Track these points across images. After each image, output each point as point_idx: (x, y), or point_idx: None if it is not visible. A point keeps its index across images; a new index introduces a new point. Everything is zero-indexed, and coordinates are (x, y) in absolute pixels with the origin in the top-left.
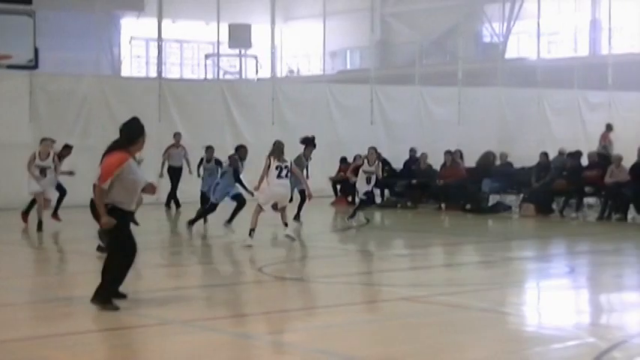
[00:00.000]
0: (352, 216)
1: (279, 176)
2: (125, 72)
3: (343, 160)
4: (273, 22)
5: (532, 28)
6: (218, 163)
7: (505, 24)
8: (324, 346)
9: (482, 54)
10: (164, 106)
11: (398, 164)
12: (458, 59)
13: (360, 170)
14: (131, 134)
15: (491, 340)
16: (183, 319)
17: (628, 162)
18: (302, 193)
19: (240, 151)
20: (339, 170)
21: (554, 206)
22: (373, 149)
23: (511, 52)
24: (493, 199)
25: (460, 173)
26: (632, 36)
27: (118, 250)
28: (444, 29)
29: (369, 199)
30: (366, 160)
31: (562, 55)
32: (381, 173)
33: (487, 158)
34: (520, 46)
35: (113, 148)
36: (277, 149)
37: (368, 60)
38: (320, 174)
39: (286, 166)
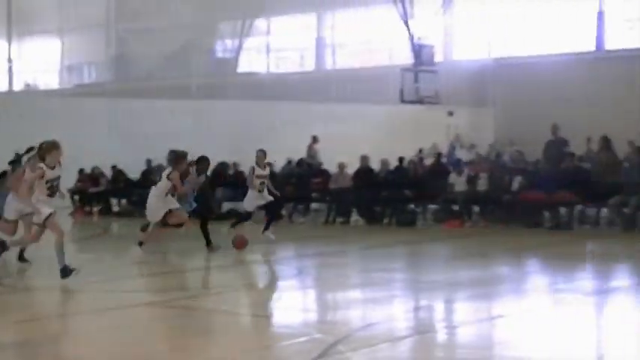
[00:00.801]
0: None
1: None
2: None
3: (81, 171)
4: (9, 37)
5: (262, 45)
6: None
7: (237, 40)
8: (68, 353)
9: (216, 68)
10: None
11: (135, 174)
12: (192, 74)
13: (253, 177)
14: None
15: (227, 340)
16: None
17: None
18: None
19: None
20: (78, 181)
21: (283, 212)
22: (262, 152)
23: (243, 67)
24: (226, 207)
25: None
26: (352, 53)
27: None
28: (179, 45)
29: (248, 215)
30: (256, 165)
31: (290, 70)
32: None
33: (220, 168)
34: (251, 61)
35: None
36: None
37: (105, 74)
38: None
39: None
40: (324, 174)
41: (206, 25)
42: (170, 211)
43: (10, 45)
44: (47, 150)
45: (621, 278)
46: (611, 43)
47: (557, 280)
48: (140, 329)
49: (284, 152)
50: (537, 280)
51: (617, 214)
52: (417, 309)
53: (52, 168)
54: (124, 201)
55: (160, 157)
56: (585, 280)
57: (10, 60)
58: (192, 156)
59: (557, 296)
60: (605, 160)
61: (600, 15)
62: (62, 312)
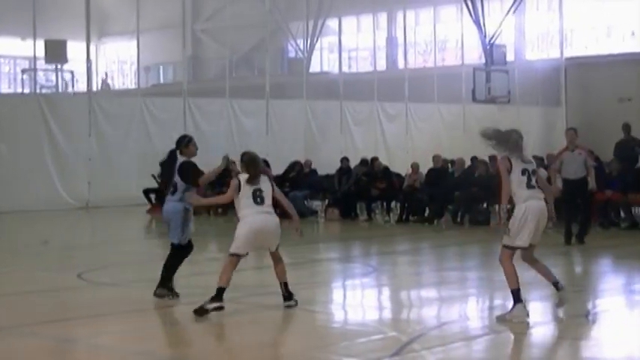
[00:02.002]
0: None
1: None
2: None
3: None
4: (88, 38)
5: (334, 45)
6: None
7: (309, 40)
8: (139, 347)
9: (288, 68)
10: None
11: None
12: (265, 73)
13: None
14: None
15: (301, 336)
16: (1, 325)
17: (424, 168)
18: None
19: None
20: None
21: (357, 210)
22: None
23: (315, 67)
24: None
25: None
26: (424, 52)
27: None
28: (252, 45)
29: None
30: None
31: (362, 69)
32: None
33: (293, 167)
34: (323, 61)
35: None
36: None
37: (180, 74)
38: (136, 184)
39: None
40: (388, 175)
41: (278, 25)
42: None
43: (88, 46)
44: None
45: None
46: None
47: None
48: (210, 325)
49: (357, 151)
50: (614, 280)
51: None
52: (491, 308)
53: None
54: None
55: (234, 157)
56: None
57: (88, 60)
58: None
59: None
60: None
61: None
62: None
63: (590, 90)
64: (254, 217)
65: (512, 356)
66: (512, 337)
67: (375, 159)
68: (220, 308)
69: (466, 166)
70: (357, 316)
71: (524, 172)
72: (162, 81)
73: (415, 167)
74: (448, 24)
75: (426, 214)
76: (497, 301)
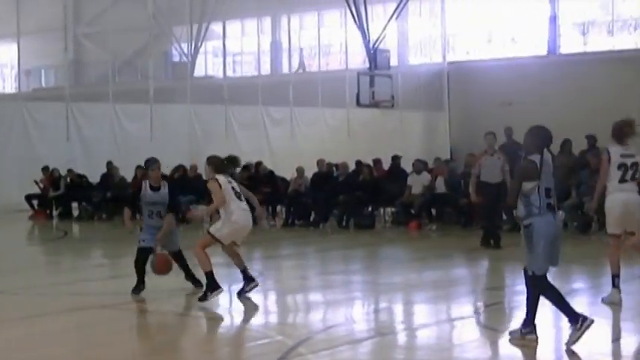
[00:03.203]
0: None
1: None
2: None
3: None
4: None
5: (218, 49)
6: None
7: (193, 44)
8: (24, 356)
9: (172, 73)
10: None
11: (95, 178)
12: (148, 78)
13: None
14: None
15: (187, 341)
16: None
17: (309, 172)
18: None
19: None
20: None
21: None
22: None
23: (199, 71)
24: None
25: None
26: (307, 57)
27: None
28: (135, 49)
29: None
30: None
31: (246, 73)
32: None
33: (177, 171)
34: (207, 65)
35: None
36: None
37: (62, 78)
38: (17, 190)
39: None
40: (272, 179)
41: (161, 29)
42: None
43: None
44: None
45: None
46: (565, 47)
47: (516, 281)
48: (99, 331)
49: (242, 156)
50: (491, 280)
51: (571, 216)
52: (376, 311)
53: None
54: (83, 204)
55: (118, 161)
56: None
57: None
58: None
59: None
60: (565, 163)
61: (553, 19)
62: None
63: (472, 94)
64: (240, 213)
65: (397, 359)
66: (398, 339)
67: (259, 163)
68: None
69: (350, 170)
70: (243, 320)
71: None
72: (43, 85)
73: (300, 171)
74: (332, 28)
75: (311, 219)
76: (383, 304)
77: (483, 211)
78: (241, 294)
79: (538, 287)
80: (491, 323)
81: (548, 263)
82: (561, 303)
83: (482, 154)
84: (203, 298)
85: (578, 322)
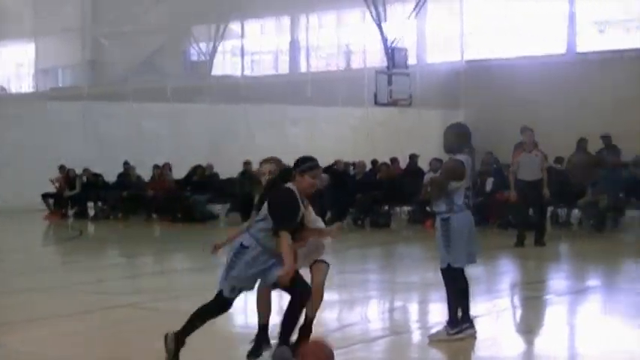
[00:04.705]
0: None
1: None
2: None
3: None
4: None
5: (237, 48)
6: None
7: (211, 44)
8: (52, 354)
9: (191, 72)
10: None
11: (111, 178)
12: (167, 77)
13: None
14: None
15: (202, 341)
16: None
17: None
18: None
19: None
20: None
21: None
22: None
23: (217, 70)
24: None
25: (168, 185)
26: (328, 55)
27: None
28: (153, 49)
29: None
30: None
31: (265, 72)
32: None
33: (195, 171)
34: (225, 65)
35: None
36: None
37: (80, 78)
38: (35, 189)
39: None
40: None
41: (180, 28)
42: None
43: None
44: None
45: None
46: (582, 46)
47: (529, 279)
48: (116, 331)
49: (261, 155)
50: (508, 280)
51: (587, 215)
52: (391, 310)
53: None
54: (99, 204)
55: (136, 160)
56: (556, 279)
57: None
58: (168, 159)
59: (527, 296)
60: (580, 162)
61: (571, 17)
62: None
63: (489, 92)
64: None
65: (412, 358)
66: (412, 338)
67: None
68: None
69: (367, 169)
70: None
71: None
72: (60, 85)
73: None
74: (351, 27)
75: (327, 217)
76: (398, 303)
77: (518, 209)
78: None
79: (457, 280)
80: (508, 322)
81: (466, 258)
82: (462, 301)
83: (520, 152)
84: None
85: (457, 328)
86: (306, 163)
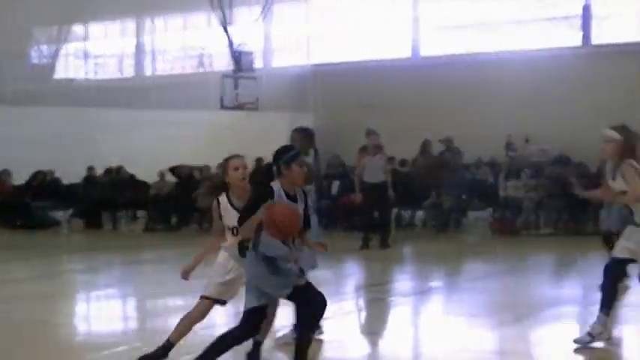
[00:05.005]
0: None
1: None
2: None
3: None
4: None
5: (80, 50)
6: None
7: (54, 46)
8: None
9: (32, 75)
10: None
11: None
12: (6, 80)
13: None
14: None
15: (46, 351)
16: None
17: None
18: None
19: None
20: None
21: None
22: None
23: (60, 73)
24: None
25: (7, 191)
26: (174, 59)
27: None
28: None
29: None
30: None
31: (109, 76)
32: None
33: (36, 177)
34: (69, 68)
35: None
36: None
37: None
38: None
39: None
40: (133, 183)
41: (21, 30)
42: None
43: None
44: None
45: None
46: (427, 50)
47: (374, 281)
48: None
49: (104, 160)
50: (354, 282)
51: (431, 216)
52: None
53: None
54: None
55: None
56: (401, 281)
57: None
58: (8, 164)
59: (373, 298)
60: (423, 163)
61: (415, 21)
62: None
63: (337, 95)
64: None
65: None
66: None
67: (120, 168)
68: None
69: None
70: (103, 327)
71: None
72: None
73: (162, 175)
74: (198, 31)
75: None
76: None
77: (363, 212)
78: None
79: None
80: (354, 324)
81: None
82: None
83: (365, 155)
84: None
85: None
86: (288, 153)
